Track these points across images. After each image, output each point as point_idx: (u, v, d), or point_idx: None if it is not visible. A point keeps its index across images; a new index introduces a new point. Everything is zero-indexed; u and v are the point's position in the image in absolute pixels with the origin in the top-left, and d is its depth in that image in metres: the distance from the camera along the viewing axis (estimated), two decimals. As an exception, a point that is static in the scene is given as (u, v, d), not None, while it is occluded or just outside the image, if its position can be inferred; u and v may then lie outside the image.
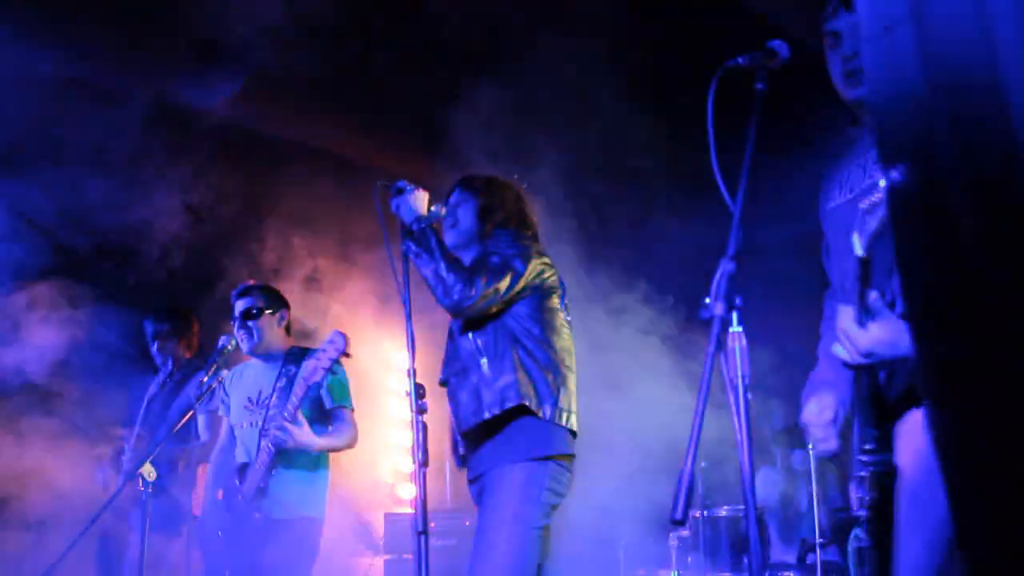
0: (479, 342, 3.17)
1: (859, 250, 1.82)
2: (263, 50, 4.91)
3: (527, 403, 3.05)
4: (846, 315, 2.02)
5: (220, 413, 4.51)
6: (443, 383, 3.32)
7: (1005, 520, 1.28)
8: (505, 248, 3.20)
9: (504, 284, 3.11)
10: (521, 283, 3.15)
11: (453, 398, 3.23)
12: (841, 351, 2.07)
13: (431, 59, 5.34)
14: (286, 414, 3.88)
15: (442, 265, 3.10)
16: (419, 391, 2.95)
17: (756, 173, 2.00)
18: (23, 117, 4.70)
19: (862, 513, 2.07)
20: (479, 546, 3.01)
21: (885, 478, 2.03)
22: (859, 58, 2.27)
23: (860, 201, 2.19)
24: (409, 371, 2.96)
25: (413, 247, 3.15)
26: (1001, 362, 1.27)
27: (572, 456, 3.16)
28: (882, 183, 1.70)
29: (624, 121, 5.39)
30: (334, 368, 4.02)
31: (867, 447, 2.07)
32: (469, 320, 3.21)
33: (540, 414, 3.07)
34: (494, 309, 3.16)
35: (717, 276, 1.94)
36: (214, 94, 5.41)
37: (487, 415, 3.08)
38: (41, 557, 5.09)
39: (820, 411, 2.31)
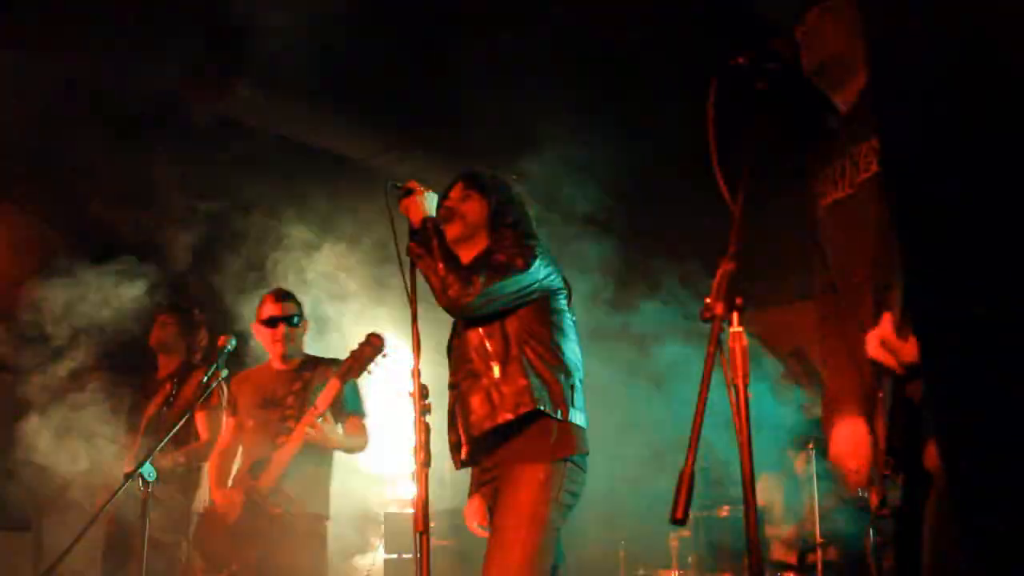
0: (489, 346, 3.13)
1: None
2: (265, 48, 4.90)
3: (542, 407, 3.03)
4: (886, 323, 1.98)
5: (223, 412, 4.53)
6: (453, 387, 3.26)
7: (1006, 524, 1.28)
8: (511, 247, 3.14)
9: (506, 282, 3.07)
10: (527, 283, 3.11)
11: (463, 402, 3.17)
12: (880, 357, 2.03)
13: (428, 55, 5.33)
14: (316, 411, 4.02)
15: (440, 264, 3.07)
16: (423, 391, 2.94)
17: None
18: (24, 120, 4.70)
19: (884, 512, 2.06)
20: (496, 546, 2.97)
21: (908, 485, 2.01)
22: (811, 31, 2.30)
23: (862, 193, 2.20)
24: (414, 371, 2.95)
25: (415, 248, 3.13)
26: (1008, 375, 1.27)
27: (587, 453, 3.13)
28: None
29: (622, 122, 5.39)
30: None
31: (892, 454, 2.05)
32: (477, 323, 3.16)
33: (556, 416, 3.05)
34: (498, 308, 3.11)
35: (717, 276, 1.94)
36: (215, 94, 5.40)
37: (500, 420, 3.05)
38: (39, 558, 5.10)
39: (857, 447, 2.24)
